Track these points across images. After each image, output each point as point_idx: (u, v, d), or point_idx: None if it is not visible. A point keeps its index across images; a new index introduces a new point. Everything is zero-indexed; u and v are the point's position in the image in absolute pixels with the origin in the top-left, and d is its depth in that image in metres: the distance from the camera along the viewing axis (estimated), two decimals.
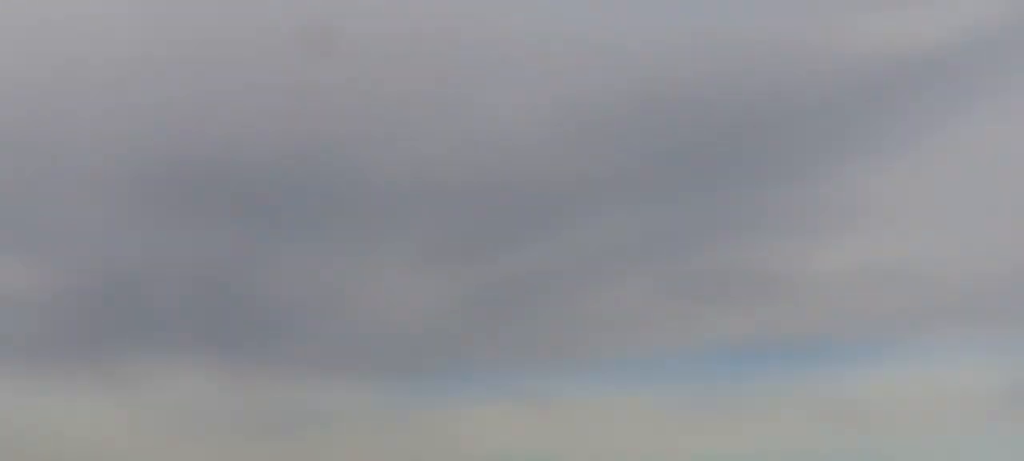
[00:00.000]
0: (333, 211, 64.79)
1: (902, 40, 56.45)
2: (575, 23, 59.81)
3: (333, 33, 55.84)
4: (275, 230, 68.92)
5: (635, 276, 73.70)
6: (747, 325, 72.94)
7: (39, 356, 69.60)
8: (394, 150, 66.30)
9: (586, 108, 65.02)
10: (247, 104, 65.70)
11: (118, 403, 67.73)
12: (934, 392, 65.12)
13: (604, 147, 67.04)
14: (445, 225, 70.95)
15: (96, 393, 69.55)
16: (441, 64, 64.55)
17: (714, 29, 59.30)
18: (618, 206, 72.31)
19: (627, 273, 72.81)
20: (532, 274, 70.63)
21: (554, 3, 60.74)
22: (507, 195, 68.93)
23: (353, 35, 58.45)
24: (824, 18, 58.48)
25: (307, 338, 70.99)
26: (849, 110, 67.59)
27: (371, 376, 74.29)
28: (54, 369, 70.29)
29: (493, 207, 70.64)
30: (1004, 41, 55.00)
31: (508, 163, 66.49)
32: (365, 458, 64.67)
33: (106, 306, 68.27)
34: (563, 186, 68.37)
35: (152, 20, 59.16)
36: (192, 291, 68.03)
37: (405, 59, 63.33)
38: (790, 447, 64.21)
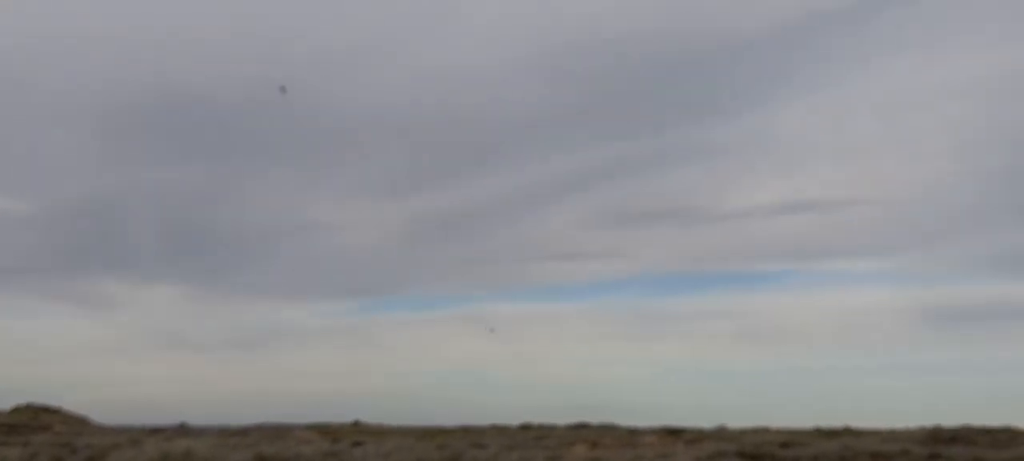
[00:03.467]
0: (293, 145, 67.03)
1: None
2: None
3: None
4: (240, 163, 70.89)
5: (568, 208, 76.55)
6: (671, 253, 76.20)
7: (20, 279, 70.97)
8: (349, 88, 68.01)
9: (526, 54, 67.09)
10: (212, 43, 66.81)
11: (96, 323, 69.46)
12: (845, 314, 69.11)
13: (538, 90, 69.35)
14: (396, 158, 73.69)
15: (75, 314, 71.08)
16: (398, 5, 65.82)
17: None
18: (554, 143, 75.13)
19: (560, 205, 75.63)
20: (474, 204, 73.63)
21: None
22: (453, 131, 71.35)
23: None
24: None
25: (271, 263, 73.52)
26: (771, 55, 69.84)
27: (329, 297, 77.38)
28: (35, 292, 71.81)
29: (440, 142, 73.33)
30: None
31: (453, 103, 68.62)
32: (325, 370, 67.64)
33: (84, 233, 70.09)
34: (505, 123, 71.13)
35: None
36: (164, 220, 69.64)
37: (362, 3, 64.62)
38: (711, 361, 67.78)
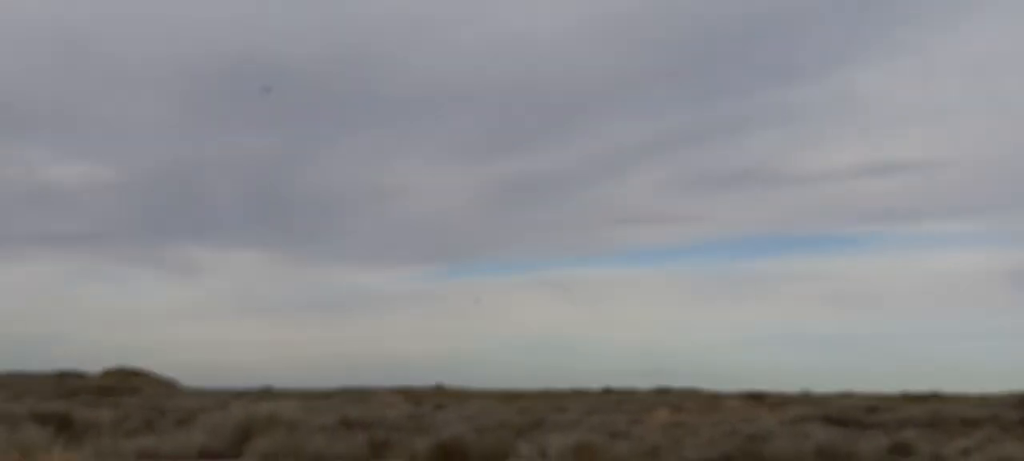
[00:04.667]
0: (373, 112, 68.86)
1: None
2: None
3: None
4: (320, 130, 72.62)
5: (648, 172, 76.57)
6: (753, 216, 76.15)
7: (107, 245, 74.24)
8: (427, 54, 68.84)
9: (603, 17, 67.03)
10: (290, 11, 68.10)
11: (177, 287, 72.28)
12: (933, 277, 68.23)
13: (617, 53, 69.30)
14: (475, 123, 74.68)
15: (157, 278, 73.79)
16: None
17: None
18: (633, 107, 75.38)
19: (641, 169, 75.66)
20: (555, 169, 74.51)
21: None
22: (533, 95, 71.95)
23: None
24: None
25: (352, 228, 75.30)
26: (854, 15, 68.65)
27: (410, 261, 79.24)
28: (121, 257, 74.83)
29: (520, 106, 74.04)
30: None
31: (532, 67, 69.16)
32: (407, 334, 68.96)
33: (168, 200, 72.96)
34: (585, 88, 71.47)
35: None
36: (246, 186, 71.78)
37: None
38: (795, 325, 67.43)
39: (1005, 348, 62.63)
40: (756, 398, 37.52)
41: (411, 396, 38.22)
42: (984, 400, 35.64)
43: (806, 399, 37.59)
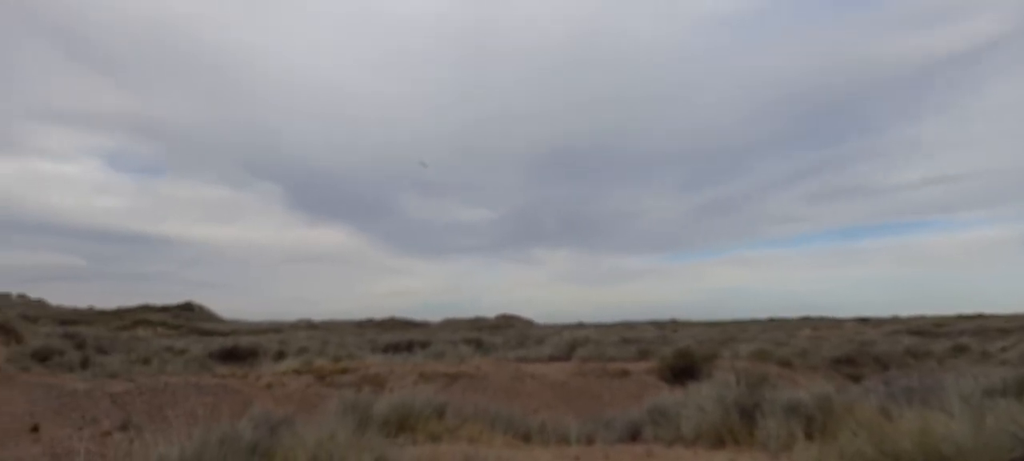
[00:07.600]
0: (626, 167, 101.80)
1: (931, 46, 79.92)
2: (749, 54, 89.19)
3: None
4: (600, 181, 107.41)
5: (788, 192, 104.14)
6: (853, 214, 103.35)
7: (494, 251, 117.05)
8: (653, 135, 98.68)
9: (758, 102, 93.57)
10: (578, 115, 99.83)
11: (529, 271, 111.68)
12: (970, 246, 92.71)
13: (767, 123, 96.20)
14: (684, 171, 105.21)
15: (518, 267, 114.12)
16: (675, 80, 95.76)
17: (826, 48, 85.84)
18: (774, 156, 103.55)
19: (784, 190, 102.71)
20: (730, 196, 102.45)
21: (730, 45, 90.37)
22: (714, 153, 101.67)
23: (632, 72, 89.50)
24: (879, 35, 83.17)
25: (617, 234, 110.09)
26: (904, 92, 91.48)
27: (650, 251, 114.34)
28: (499, 256, 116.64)
29: (707, 160, 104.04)
30: (1002, 45, 76.69)
31: (714, 135, 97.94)
32: (652, 291, 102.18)
33: (520, 225, 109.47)
34: (745, 147, 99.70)
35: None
36: (562, 215, 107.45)
37: (659, 78, 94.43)
38: (883, 280, 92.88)
39: (1020, 284, 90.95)
40: (863, 321, 50.64)
41: (658, 326, 50.00)
42: (1010, 318, 46.87)
43: (895, 320, 50.10)
